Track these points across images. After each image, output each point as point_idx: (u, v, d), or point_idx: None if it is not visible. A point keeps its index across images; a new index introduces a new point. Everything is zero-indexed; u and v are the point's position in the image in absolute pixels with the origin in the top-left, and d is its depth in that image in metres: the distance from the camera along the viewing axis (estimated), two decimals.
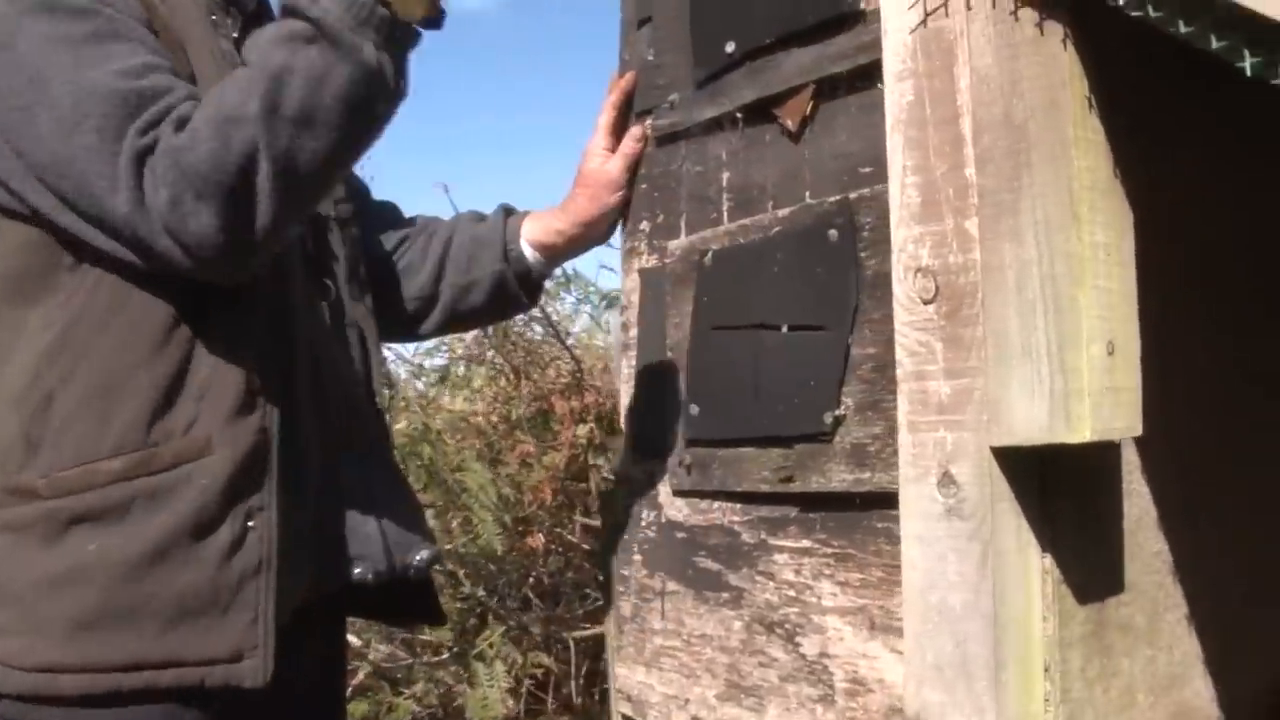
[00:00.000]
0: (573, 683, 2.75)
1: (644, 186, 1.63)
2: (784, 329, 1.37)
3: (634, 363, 1.62)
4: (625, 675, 1.58)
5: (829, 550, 1.33)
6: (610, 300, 3.09)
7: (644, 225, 1.63)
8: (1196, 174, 1.35)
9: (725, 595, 1.45)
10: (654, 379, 1.57)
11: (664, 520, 1.55)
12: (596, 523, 2.75)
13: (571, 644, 2.73)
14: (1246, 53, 0.91)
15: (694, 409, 1.48)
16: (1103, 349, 1.06)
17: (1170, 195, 1.24)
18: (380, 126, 1.27)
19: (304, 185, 1.22)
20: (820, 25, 1.36)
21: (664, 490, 1.55)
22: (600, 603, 2.91)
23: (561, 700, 2.87)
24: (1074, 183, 1.05)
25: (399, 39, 1.23)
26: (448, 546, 2.62)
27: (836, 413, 1.30)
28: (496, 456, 2.75)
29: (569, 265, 3.29)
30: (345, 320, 1.49)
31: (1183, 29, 0.95)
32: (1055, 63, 1.07)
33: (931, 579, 1.14)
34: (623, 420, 1.64)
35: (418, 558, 1.45)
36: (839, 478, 1.31)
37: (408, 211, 1.77)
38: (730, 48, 1.47)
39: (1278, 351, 1.48)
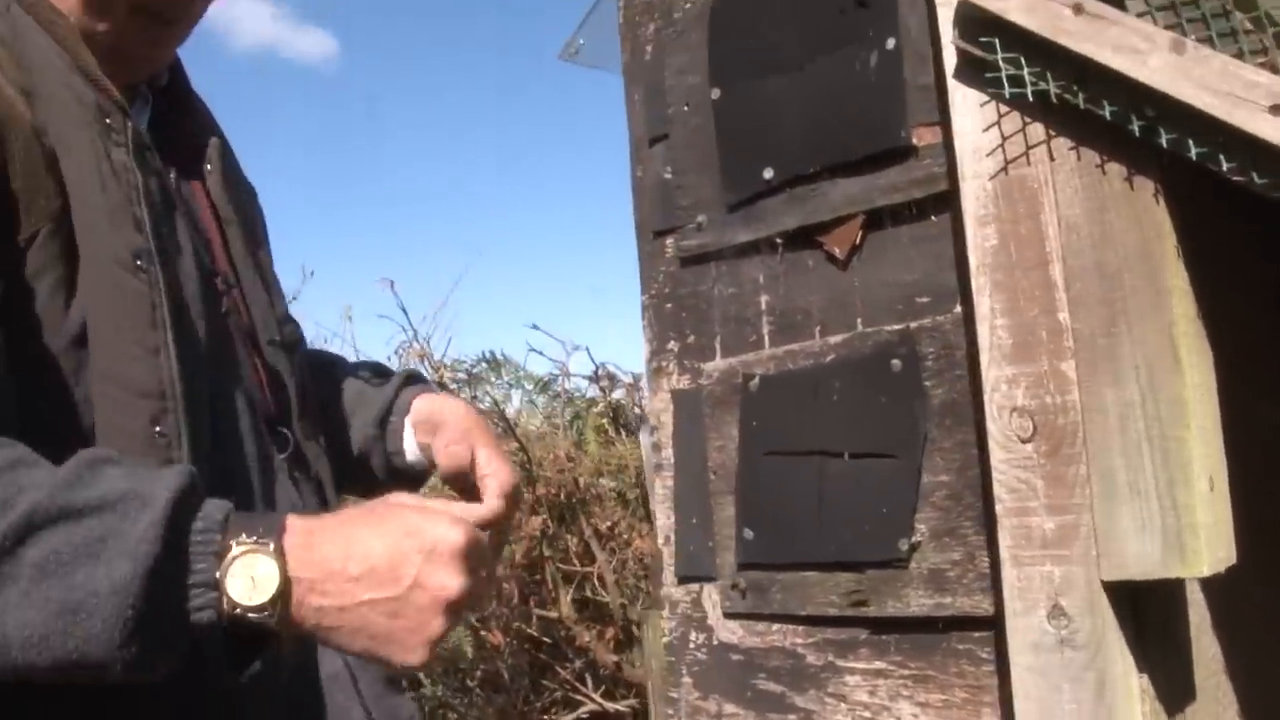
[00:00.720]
0: None
1: (669, 306, 1.64)
2: (846, 456, 1.40)
3: (670, 484, 1.62)
4: None
5: (907, 672, 1.36)
6: (542, 385, 3.09)
7: (672, 345, 1.64)
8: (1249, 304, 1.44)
9: (792, 717, 1.46)
10: (696, 502, 1.57)
11: (716, 642, 1.55)
12: (553, 614, 2.72)
13: None
14: None
15: (748, 533, 1.49)
16: (1207, 485, 1.12)
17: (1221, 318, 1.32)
18: (84, 670, 0.82)
19: None
20: (869, 158, 1.41)
21: (713, 612, 1.55)
22: (559, 693, 2.89)
23: None
24: (1174, 329, 1.11)
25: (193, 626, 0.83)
26: None
27: (912, 540, 1.34)
28: None
29: (498, 349, 3.27)
30: (307, 473, 1.21)
31: None
32: (1149, 216, 1.13)
33: (1047, 707, 1.18)
34: (660, 540, 1.64)
35: None
36: (918, 602, 1.34)
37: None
38: (769, 174, 1.50)
39: None
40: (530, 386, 3.14)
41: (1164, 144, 1.09)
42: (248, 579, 0.83)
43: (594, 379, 3.23)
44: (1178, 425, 1.11)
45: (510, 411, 3.22)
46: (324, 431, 1.28)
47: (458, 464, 1.25)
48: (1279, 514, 1.50)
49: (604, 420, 3.12)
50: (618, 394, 3.30)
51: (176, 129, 1.22)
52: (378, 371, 1.45)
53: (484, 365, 3.21)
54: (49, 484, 0.83)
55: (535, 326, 3.35)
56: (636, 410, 2.95)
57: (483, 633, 2.68)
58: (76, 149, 1.01)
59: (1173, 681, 1.24)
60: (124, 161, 1.05)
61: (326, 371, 1.43)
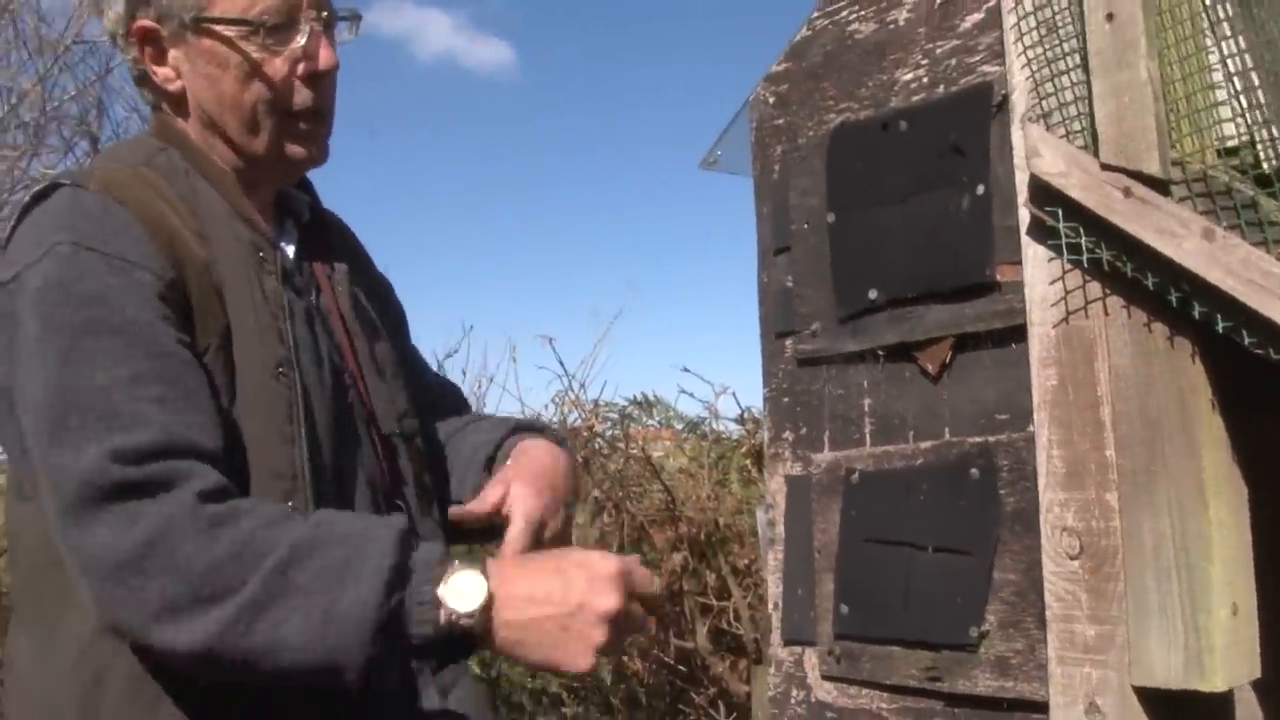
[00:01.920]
0: None
1: (786, 400, 1.86)
2: (930, 550, 1.60)
3: (781, 558, 1.85)
4: None
5: None
6: (692, 426, 3.34)
7: (787, 434, 1.86)
8: None
9: None
10: (802, 575, 1.79)
11: (813, 700, 1.77)
12: (689, 644, 2.96)
13: None
14: None
15: (844, 608, 1.70)
16: (1229, 611, 1.29)
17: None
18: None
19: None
20: (958, 289, 1.60)
21: (812, 673, 1.77)
22: (693, 717, 3.14)
23: None
24: (1203, 474, 1.28)
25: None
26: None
27: (981, 628, 1.53)
28: None
29: (650, 390, 3.54)
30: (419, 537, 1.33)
31: None
32: (1185, 372, 1.30)
33: None
34: (770, 606, 1.87)
35: None
36: (985, 683, 1.53)
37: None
38: (873, 294, 1.71)
39: None
40: (680, 426, 3.41)
41: (1196, 316, 1.26)
42: (462, 590, 1.07)
43: (740, 421, 3.48)
44: (1202, 558, 1.28)
45: (657, 454, 3.49)
46: (441, 498, 1.45)
47: (479, 506, 1.38)
48: None
49: (748, 460, 3.36)
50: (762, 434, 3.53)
51: (317, 254, 1.43)
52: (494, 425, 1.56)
53: (635, 407, 3.49)
54: (302, 527, 1.11)
55: (686, 369, 3.59)
56: None
57: (624, 657, 2.95)
58: (236, 280, 1.26)
59: None
60: (274, 287, 1.29)
61: (451, 440, 1.57)
